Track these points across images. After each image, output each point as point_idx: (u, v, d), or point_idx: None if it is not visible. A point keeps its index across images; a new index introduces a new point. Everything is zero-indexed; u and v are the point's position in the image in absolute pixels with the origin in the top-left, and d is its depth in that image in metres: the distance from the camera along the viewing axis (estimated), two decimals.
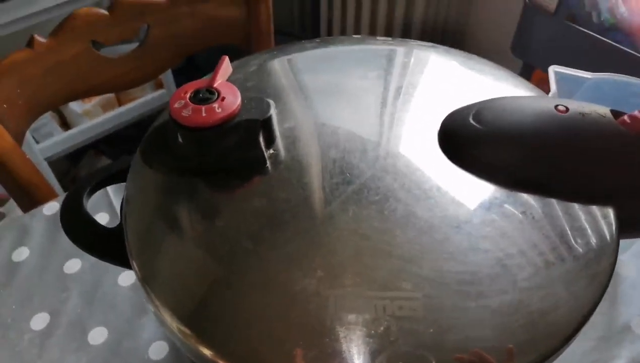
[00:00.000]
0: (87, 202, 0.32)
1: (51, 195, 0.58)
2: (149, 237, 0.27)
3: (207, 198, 0.27)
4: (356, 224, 0.25)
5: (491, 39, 1.25)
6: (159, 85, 1.20)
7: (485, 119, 0.26)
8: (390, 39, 0.37)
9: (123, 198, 0.29)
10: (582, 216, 0.26)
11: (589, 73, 0.44)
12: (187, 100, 0.26)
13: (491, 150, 0.26)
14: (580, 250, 0.24)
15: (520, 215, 0.25)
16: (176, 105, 0.26)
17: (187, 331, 0.23)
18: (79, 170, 1.21)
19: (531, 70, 1.06)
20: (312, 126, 0.29)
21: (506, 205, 0.25)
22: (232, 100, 0.27)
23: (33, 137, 1.04)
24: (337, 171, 0.26)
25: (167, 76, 1.12)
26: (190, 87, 0.27)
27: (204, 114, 0.26)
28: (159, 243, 0.26)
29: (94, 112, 1.12)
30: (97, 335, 0.42)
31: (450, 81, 0.33)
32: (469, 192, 0.26)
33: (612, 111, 0.26)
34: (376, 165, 0.27)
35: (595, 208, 0.26)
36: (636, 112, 0.26)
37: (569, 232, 0.25)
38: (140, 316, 0.43)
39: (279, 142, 0.28)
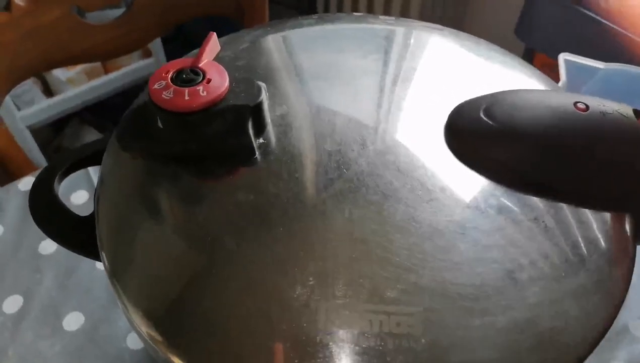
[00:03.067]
0: (59, 185, 0.29)
1: (27, 168, 0.55)
2: (122, 229, 0.24)
3: (188, 190, 0.24)
4: (351, 226, 0.22)
5: (493, 20, 1.22)
6: (147, 54, 1.15)
7: (498, 114, 0.24)
8: (392, 18, 0.34)
9: (97, 185, 0.26)
10: (595, 224, 0.24)
11: (601, 63, 0.42)
12: (169, 81, 0.23)
13: (504, 149, 0.24)
14: (594, 261, 0.22)
15: (531, 222, 0.23)
16: (156, 86, 0.23)
17: (158, 337, 0.21)
18: (63, 139, 1.17)
19: (532, 54, 1.03)
20: (307, 113, 0.27)
21: (517, 211, 0.23)
22: (218, 82, 0.24)
23: (15, 104, 1.00)
24: (332, 165, 0.24)
25: (156, 44, 1.08)
26: (172, 66, 0.24)
27: (186, 98, 0.23)
28: (132, 236, 0.24)
29: (79, 79, 1.08)
30: (73, 321, 0.40)
31: (457, 68, 0.30)
32: (477, 194, 0.23)
33: (635, 111, 0.24)
34: (375, 160, 0.24)
35: (609, 215, 0.24)
36: None
37: (581, 242, 0.23)
38: (118, 303, 0.41)
39: (270, 130, 0.25)
